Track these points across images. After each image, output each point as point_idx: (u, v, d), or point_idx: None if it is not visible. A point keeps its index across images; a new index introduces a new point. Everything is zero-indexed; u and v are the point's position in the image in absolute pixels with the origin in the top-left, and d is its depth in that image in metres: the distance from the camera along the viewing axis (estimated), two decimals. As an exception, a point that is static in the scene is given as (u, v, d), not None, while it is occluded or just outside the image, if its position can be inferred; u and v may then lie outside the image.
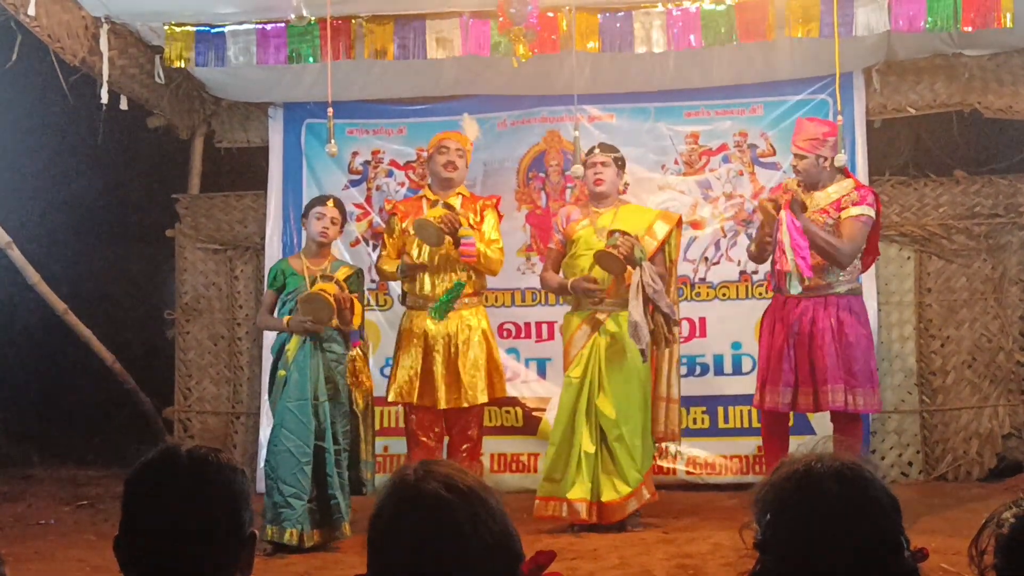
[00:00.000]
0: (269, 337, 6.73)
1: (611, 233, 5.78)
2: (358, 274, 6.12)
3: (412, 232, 6.04)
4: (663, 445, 6.16)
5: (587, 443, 5.80)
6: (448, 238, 5.93)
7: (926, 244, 7.17)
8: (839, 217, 5.74)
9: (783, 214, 5.56)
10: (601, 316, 5.91)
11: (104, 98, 6.39)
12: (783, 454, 5.71)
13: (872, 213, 5.79)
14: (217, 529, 1.89)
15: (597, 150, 6.09)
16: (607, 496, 5.77)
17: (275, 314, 6.03)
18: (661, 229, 5.97)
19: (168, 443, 1.99)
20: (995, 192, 7.09)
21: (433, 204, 6.16)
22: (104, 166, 7.96)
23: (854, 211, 5.74)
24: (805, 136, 5.85)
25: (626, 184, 6.27)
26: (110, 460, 7.68)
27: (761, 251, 5.97)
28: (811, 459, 1.83)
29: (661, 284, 5.69)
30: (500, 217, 6.31)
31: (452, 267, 6.08)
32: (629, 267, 5.71)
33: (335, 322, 5.79)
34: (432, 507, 1.72)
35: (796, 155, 5.85)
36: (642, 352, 5.70)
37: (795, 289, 5.60)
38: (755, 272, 7.03)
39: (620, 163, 6.11)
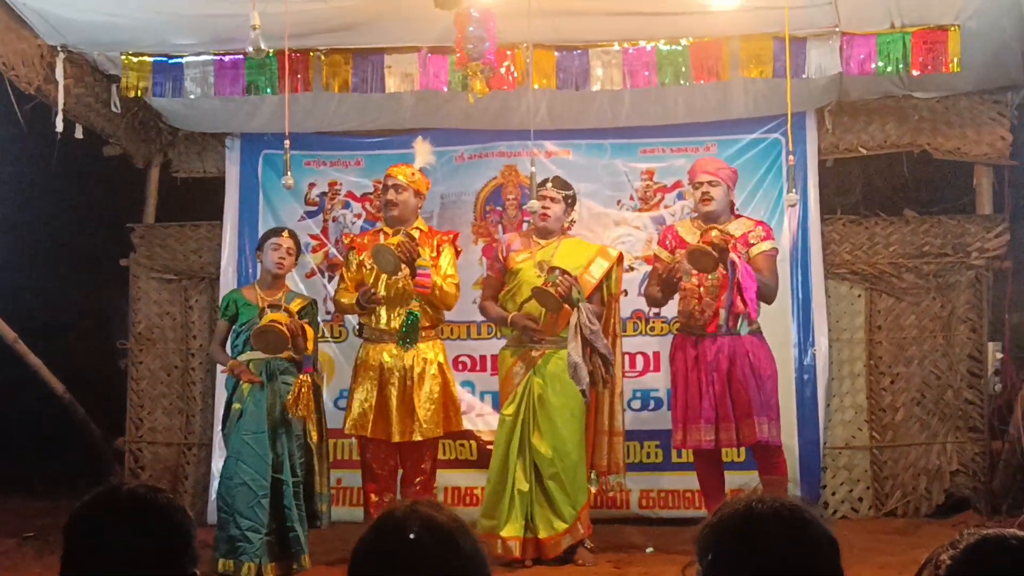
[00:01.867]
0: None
1: (551, 270, 5.82)
2: (312, 305, 6.13)
3: (370, 260, 6.04)
4: (606, 478, 6.18)
5: (521, 481, 5.83)
6: (404, 267, 5.94)
7: (876, 282, 7.27)
8: (748, 253, 5.88)
9: (735, 258, 5.65)
10: (536, 354, 5.96)
11: (59, 127, 6.36)
12: (718, 490, 5.84)
13: (777, 246, 6.10)
14: (158, 570, 1.89)
15: (550, 184, 6.13)
16: (544, 533, 5.80)
17: (228, 345, 6.01)
18: (599, 268, 6.03)
19: (109, 482, 1.99)
20: (944, 232, 7.21)
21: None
22: (58, 195, 7.90)
23: (765, 246, 5.96)
24: (715, 166, 6.13)
25: (572, 222, 6.32)
26: (59, 491, 7.55)
27: (669, 293, 6.05)
28: (752, 499, 1.87)
29: (598, 325, 5.74)
30: (458, 253, 6.33)
31: (407, 300, 6.08)
32: (566, 306, 5.75)
33: (288, 353, 5.78)
34: (407, 545, 1.81)
35: (710, 182, 5.96)
36: (582, 392, 5.74)
37: (744, 330, 5.72)
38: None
39: (570, 201, 6.18)
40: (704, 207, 6.01)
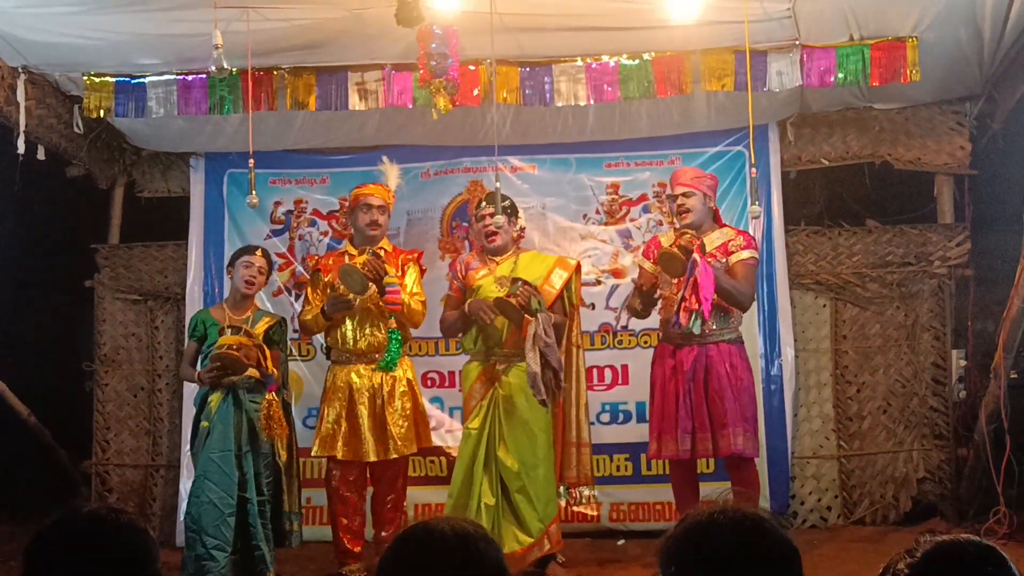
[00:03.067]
0: (190, 388, 6.66)
1: (513, 281, 5.82)
2: (280, 324, 6.11)
3: (338, 281, 6.01)
4: (577, 490, 6.17)
5: (487, 495, 5.81)
6: (372, 285, 5.93)
7: (841, 292, 7.33)
8: (727, 261, 5.85)
9: (697, 257, 5.64)
10: (501, 367, 5.94)
11: (21, 148, 6.32)
12: (692, 501, 5.82)
13: (757, 256, 6.03)
14: None
15: (484, 202, 6.10)
16: (509, 547, 5.77)
17: (198, 365, 5.99)
18: (559, 278, 6.03)
19: (68, 506, 1.98)
20: (906, 241, 7.28)
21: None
22: (21, 217, 7.83)
23: (744, 255, 5.89)
24: (691, 176, 6.02)
25: (522, 228, 6.31)
26: (25, 516, 7.48)
27: (649, 305, 6.02)
28: (713, 511, 1.88)
29: (553, 338, 5.72)
30: (422, 271, 6.32)
31: (375, 319, 6.06)
32: (527, 315, 5.75)
33: (253, 372, 5.77)
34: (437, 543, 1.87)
35: (684, 194, 5.92)
36: (542, 403, 5.72)
37: (696, 328, 5.61)
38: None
39: (510, 211, 6.14)
40: (682, 220, 5.97)
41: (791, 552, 1.85)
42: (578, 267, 6.27)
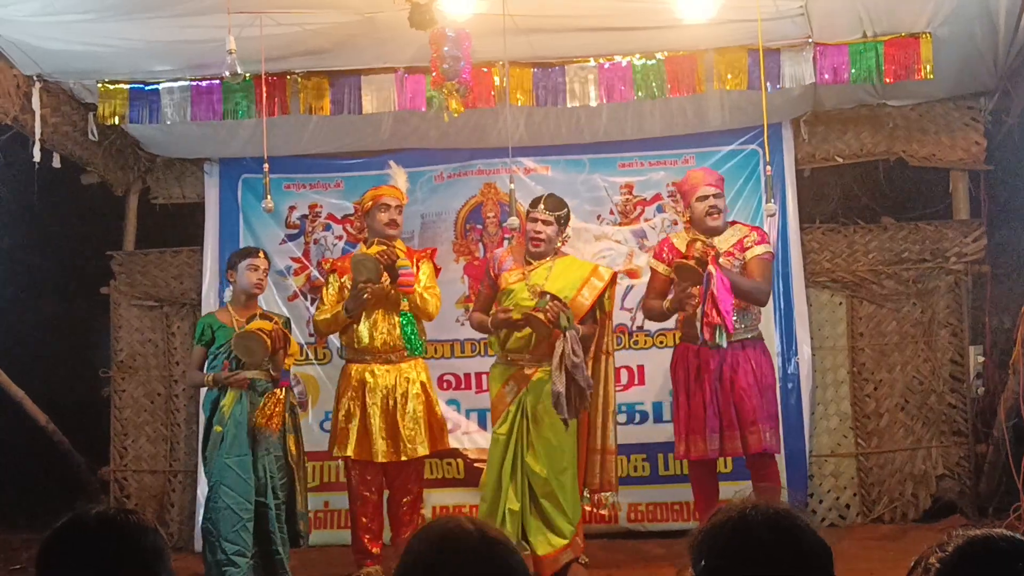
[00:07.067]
0: (205, 392, 6.66)
1: (542, 295, 5.76)
2: (285, 324, 6.10)
3: (352, 272, 5.99)
4: (600, 496, 6.12)
5: (512, 501, 5.77)
6: (386, 274, 5.92)
7: (857, 289, 7.30)
8: (744, 258, 5.90)
9: (712, 269, 5.63)
10: (529, 371, 5.89)
11: (37, 156, 6.35)
12: (714, 500, 5.82)
13: (772, 250, 6.11)
14: None
15: (542, 206, 5.99)
16: (542, 550, 5.74)
17: (204, 369, 5.97)
18: (592, 290, 5.90)
19: (77, 509, 1.98)
20: (922, 238, 7.25)
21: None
22: (37, 224, 7.86)
23: (759, 250, 5.95)
24: (715, 178, 6.08)
25: (566, 237, 6.19)
26: (43, 523, 7.47)
27: (676, 308, 5.98)
28: (746, 507, 1.87)
29: (581, 356, 5.63)
30: (436, 269, 6.32)
31: (390, 316, 6.06)
32: (556, 330, 5.71)
33: (265, 372, 5.77)
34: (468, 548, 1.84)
35: (715, 195, 5.94)
36: (564, 422, 5.66)
37: (723, 342, 5.69)
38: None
39: (563, 220, 6.02)
40: (713, 221, 5.94)
41: (823, 549, 1.85)
42: (613, 278, 6.10)
